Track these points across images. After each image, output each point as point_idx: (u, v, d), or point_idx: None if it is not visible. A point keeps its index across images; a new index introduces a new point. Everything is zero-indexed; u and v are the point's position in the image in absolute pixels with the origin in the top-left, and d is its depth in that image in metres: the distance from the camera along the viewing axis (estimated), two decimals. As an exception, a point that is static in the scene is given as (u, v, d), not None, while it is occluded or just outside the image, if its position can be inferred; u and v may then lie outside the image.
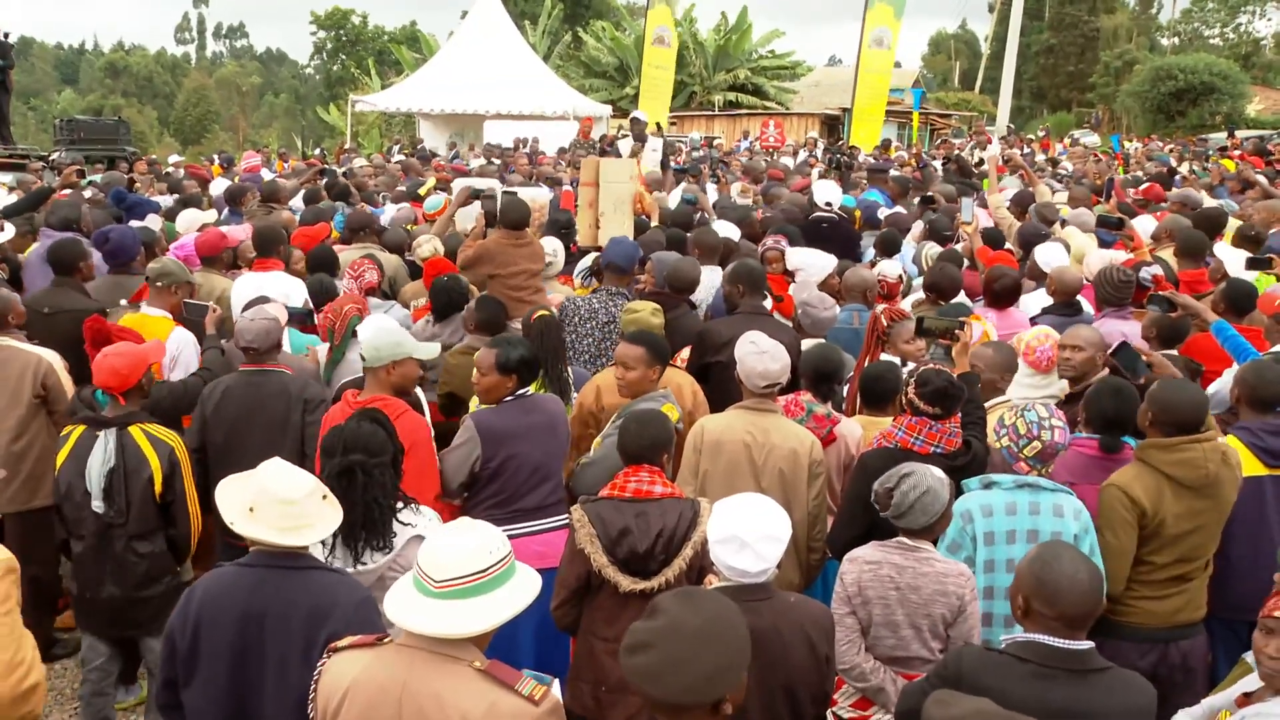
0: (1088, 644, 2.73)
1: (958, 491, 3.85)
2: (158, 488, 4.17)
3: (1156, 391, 4.00)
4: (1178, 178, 14.34)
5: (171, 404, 4.91)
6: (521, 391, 4.49)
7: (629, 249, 6.32)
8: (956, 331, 4.71)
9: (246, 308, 5.36)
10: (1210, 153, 22.05)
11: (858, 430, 4.62)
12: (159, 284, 5.69)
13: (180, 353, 5.51)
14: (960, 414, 4.12)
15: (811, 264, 6.64)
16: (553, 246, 7.08)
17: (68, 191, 9.34)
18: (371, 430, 3.41)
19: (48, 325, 5.75)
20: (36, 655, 3.10)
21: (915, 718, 2.57)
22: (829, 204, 8.66)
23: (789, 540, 3.07)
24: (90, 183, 10.82)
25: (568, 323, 6.02)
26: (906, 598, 3.47)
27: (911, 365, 4.82)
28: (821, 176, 13.28)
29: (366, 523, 3.34)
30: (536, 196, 8.25)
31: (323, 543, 3.30)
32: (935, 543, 3.59)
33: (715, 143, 25.01)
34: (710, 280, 6.62)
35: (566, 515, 4.49)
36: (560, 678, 2.77)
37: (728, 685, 2.24)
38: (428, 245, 7.11)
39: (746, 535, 2.98)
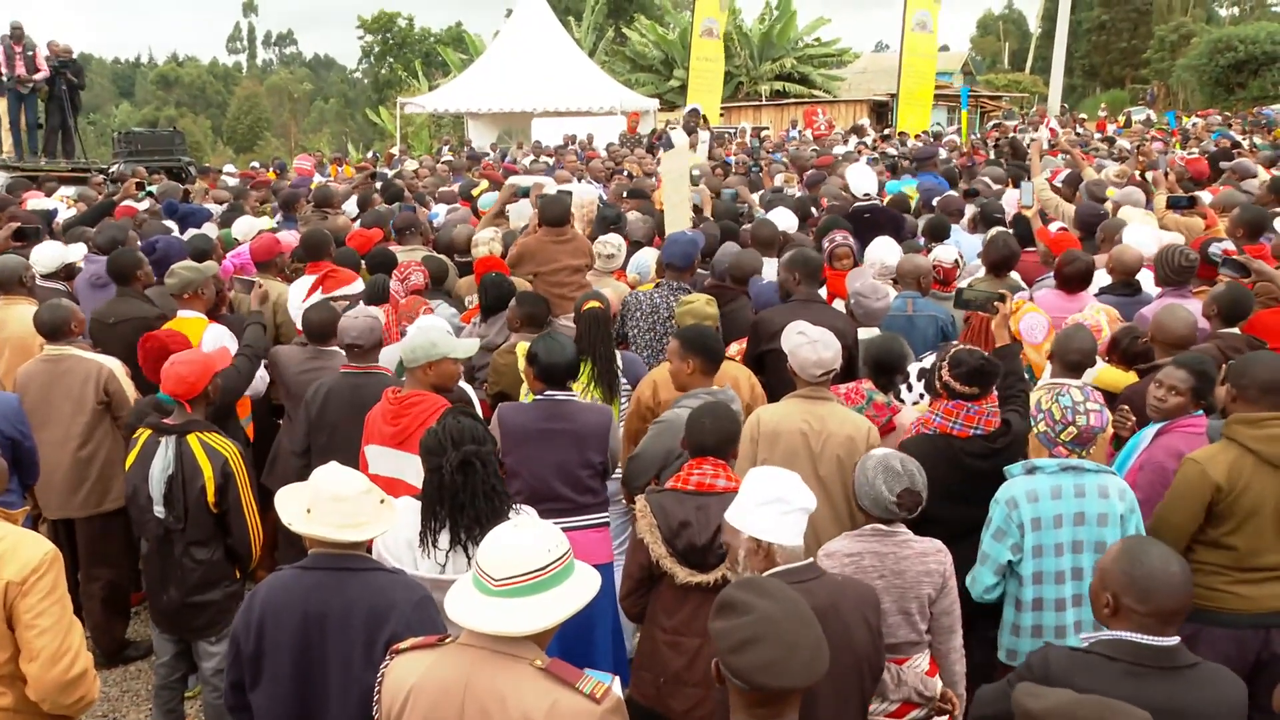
0: (1175, 639, 2.62)
1: (1000, 479, 3.82)
2: (210, 497, 4.16)
3: (1235, 364, 3.90)
4: (1236, 152, 14.00)
5: (225, 389, 4.91)
6: (554, 393, 4.46)
7: (685, 246, 6.23)
8: (995, 303, 4.65)
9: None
10: (1275, 124, 21.50)
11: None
12: (185, 296, 5.80)
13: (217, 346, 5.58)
14: (999, 388, 4.07)
15: (887, 261, 6.48)
16: (618, 242, 7.10)
17: (129, 203, 9.52)
18: (472, 423, 3.42)
19: (113, 334, 5.92)
20: (84, 643, 3.19)
21: None
22: (867, 195, 8.61)
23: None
24: (149, 194, 11.01)
25: (630, 317, 6.03)
26: (892, 584, 3.43)
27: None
28: (869, 165, 13.12)
29: (490, 513, 3.29)
30: (585, 194, 8.24)
31: (436, 550, 3.33)
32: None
33: (763, 134, 24.85)
34: (765, 272, 6.56)
35: (601, 515, 4.51)
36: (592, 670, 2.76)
37: (827, 659, 2.26)
38: (484, 246, 7.15)
39: (786, 496, 2.96)
